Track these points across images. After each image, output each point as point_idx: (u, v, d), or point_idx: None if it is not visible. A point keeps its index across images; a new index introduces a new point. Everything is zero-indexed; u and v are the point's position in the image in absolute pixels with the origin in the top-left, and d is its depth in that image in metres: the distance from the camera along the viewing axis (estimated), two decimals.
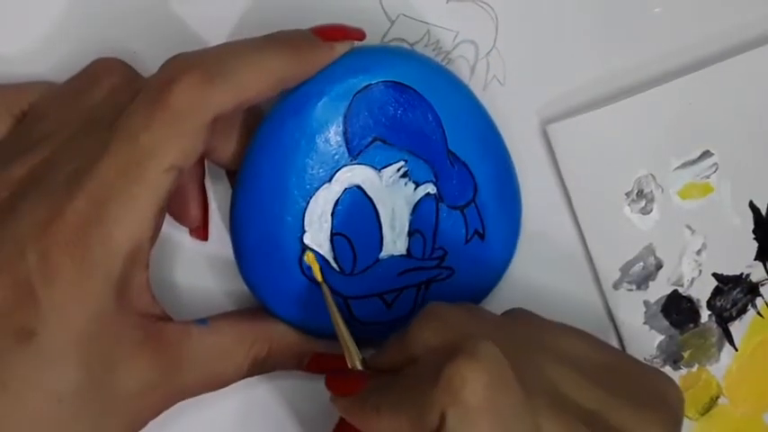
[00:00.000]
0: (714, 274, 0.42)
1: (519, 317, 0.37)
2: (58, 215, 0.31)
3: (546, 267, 0.41)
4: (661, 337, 0.42)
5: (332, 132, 0.36)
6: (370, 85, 0.36)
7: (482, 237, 0.38)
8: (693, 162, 0.41)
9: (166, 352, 0.33)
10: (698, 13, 0.42)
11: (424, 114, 0.37)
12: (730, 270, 0.42)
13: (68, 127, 0.34)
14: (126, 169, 0.31)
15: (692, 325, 0.42)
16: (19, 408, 0.30)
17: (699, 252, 0.42)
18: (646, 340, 0.42)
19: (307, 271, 0.37)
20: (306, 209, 0.36)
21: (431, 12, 0.40)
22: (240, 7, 0.39)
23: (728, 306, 0.42)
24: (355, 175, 0.36)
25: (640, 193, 0.41)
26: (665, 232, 0.41)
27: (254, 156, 0.36)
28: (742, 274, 0.42)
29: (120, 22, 0.39)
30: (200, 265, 0.40)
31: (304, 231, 0.36)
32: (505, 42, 0.41)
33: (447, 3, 0.40)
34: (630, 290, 0.41)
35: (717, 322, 0.42)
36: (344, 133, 0.36)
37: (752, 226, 0.42)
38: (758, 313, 0.42)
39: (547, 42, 0.41)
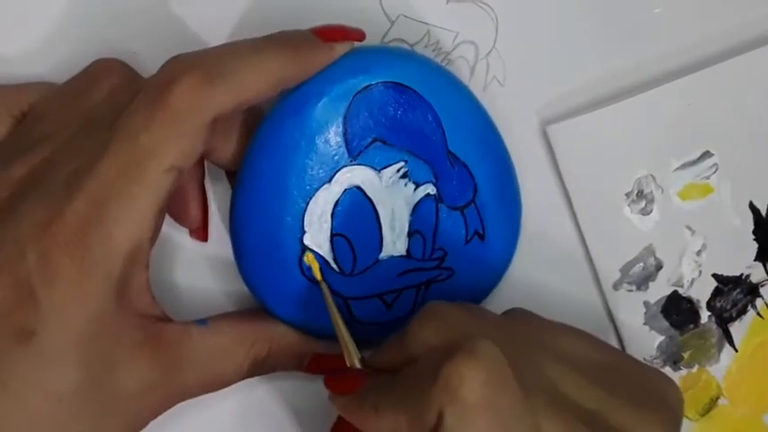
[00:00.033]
0: (714, 275, 0.42)
1: (519, 317, 0.37)
2: (58, 215, 0.31)
3: (546, 268, 0.41)
4: (661, 338, 0.42)
5: (332, 133, 0.36)
6: (370, 85, 0.36)
7: (482, 237, 0.38)
8: (693, 162, 0.41)
9: (166, 352, 0.33)
10: (698, 13, 0.42)
11: (424, 115, 0.37)
12: (730, 271, 0.42)
13: (68, 127, 0.34)
14: (126, 169, 0.31)
15: (691, 326, 0.42)
16: (19, 408, 0.30)
17: (699, 253, 0.42)
18: (646, 341, 0.42)
19: (306, 271, 0.37)
20: (306, 209, 0.36)
21: (431, 12, 0.40)
22: (240, 7, 0.39)
23: (728, 307, 0.42)
24: (355, 175, 0.36)
25: (640, 194, 0.41)
26: (665, 233, 0.41)
27: (254, 156, 0.36)
28: (742, 274, 0.42)
29: (120, 22, 0.39)
30: (200, 266, 0.40)
31: (304, 232, 0.36)
32: (505, 43, 0.41)
33: (447, 3, 0.41)
34: (630, 290, 0.41)
35: (717, 323, 0.42)
36: (344, 134, 0.36)
37: (752, 227, 0.42)
38: (758, 314, 0.42)
39: (547, 42, 0.41)
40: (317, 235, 0.37)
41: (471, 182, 0.38)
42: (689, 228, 0.41)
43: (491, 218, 0.38)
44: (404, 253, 0.38)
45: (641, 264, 0.41)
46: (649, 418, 0.33)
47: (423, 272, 0.38)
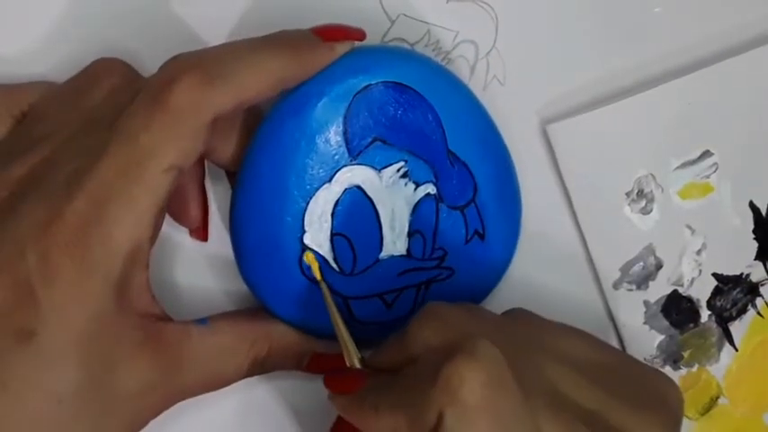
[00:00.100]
0: (714, 274, 0.42)
1: (519, 317, 0.37)
2: (58, 216, 0.31)
3: (546, 267, 0.41)
4: (661, 337, 0.42)
5: (332, 133, 0.36)
6: (370, 85, 0.36)
7: (482, 237, 0.38)
8: (693, 162, 0.41)
9: (166, 352, 0.33)
10: (698, 13, 0.42)
11: (424, 114, 0.37)
12: (730, 270, 0.42)
13: (68, 127, 0.34)
14: (126, 169, 0.31)
15: (692, 325, 0.42)
16: (19, 408, 0.30)
17: (699, 252, 0.42)
18: (646, 340, 0.42)
19: (306, 271, 0.37)
20: (306, 209, 0.36)
21: (431, 12, 0.40)
22: (240, 7, 0.39)
23: (728, 306, 0.42)
24: (355, 175, 0.36)
25: (640, 193, 0.41)
26: (665, 232, 0.41)
27: (254, 156, 0.36)
28: (742, 274, 0.42)
29: (120, 22, 0.39)
30: (200, 265, 0.40)
31: (304, 231, 0.36)
32: (505, 42, 0.41)
33: (447, 3, 0.40)
34: (630, 290, 0.41)
35: (717, 322, 0.42)
36: (344, 133, 0.36)
37: (752, 226, 0.42)
38: (758, 313, 0.42)
39: (547, 42, 0.41)
40: (318, 234, 0.37)
41: (471, 181, 0.38)
42: (689, 227, 0.41)
43: (491, 217, 0.38)
44: (404, 252, 0.38)
45: (641, 263, 0.41)
46: (649, 418, 0.33)
47: (423, 271, 0.38)
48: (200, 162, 0.38)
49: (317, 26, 0.35)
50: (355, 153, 0.36)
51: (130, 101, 0.32)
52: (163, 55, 0.33)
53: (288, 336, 0.37)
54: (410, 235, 0.37)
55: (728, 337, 0.42)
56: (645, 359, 0.42)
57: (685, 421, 0.41)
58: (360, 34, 0.36)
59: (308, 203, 0.36)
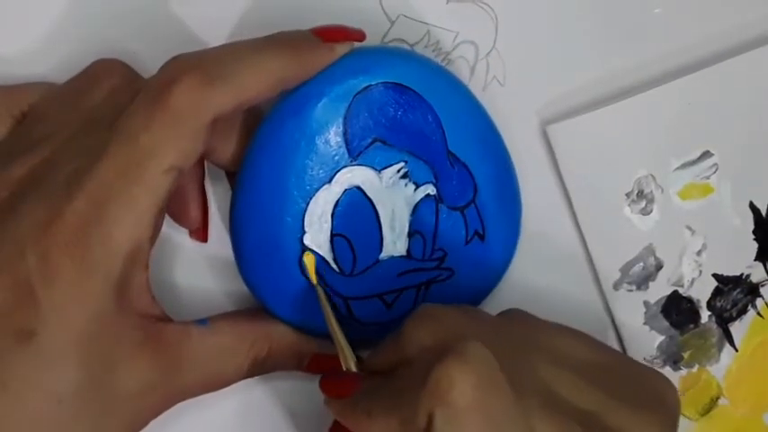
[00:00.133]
0: (714, 275, 0.42)
1: (515, 317, 0.37)
2: (58, 216, 0.31)
3: (546, 268, 0.41)
4: (661, 338, 0.42)
5: (332, 133, 0.36)
6: (370, 86, 0.36)
7: (482, 237, 0.38)
8: (693, 162, 0.41)
9: (166, 352, 0.33)
10: (698, 13, 0.42)
11: (424, 115, 0.37)
12: (730, 270, 0.42)
13: (68, 127, 0.34)
14: (125, 170, 0.31)
15: (692, 325, 0.42)
16: (19, 408, 0.30)
17: (699, 252, 0.42)
18: (646, 341, 0.42)
19: (306, 272, 0.37)
20: (306, 210, 0.36)
21: (431, 12, 0.40)
22: (240, 7, 0.39)
23: (728, 306, 0.42)
24: (355, 175, 0.36)
25: (640, 194, 0.41)
26: (665, 233, 0.41)
27: (254, 157, 0.36)
28: (742, 274, 0.42)
29: (120, 22, 0.39)
30: (200, 266, 0.40)
31: (304, 232, 0.36)
32: (505, 43, 0.41)
33: (447, 3, 0.40)
34: (630, 290, 0.41)
35: (717, 323, 0.42)
36: (344, 134, 0.36)
37: (752, 226, 0.42)
38: (758, 314, 0.42)
39: (547, 42, 0.41)
40: (317, 235, 0.37)
41: (471, 182, 0.38)
42: (689, 227, 0.41)
43: (491, 218, 0.38)
44: (404, 253, 0.38)
45: (641, 263, 0.41)
46: (646, 418, 0.33)
47: (423, 272, 0.38)
48: (201, 162, 0.38)
49: (316, 27, 0.35)
50: (355, 154, 0.36)
51: (130, 101, 0.32)
52: (163, 55, 0.33)
53: (288, 336, 0.37)
54: (410, 235, 0.37)
55: (729, 337, 0.42)
56: (645, 360, 0.42)
57: (685, 421, 0.41)
58: (360, 35, 0.36)
59: (307, 204, 0.36)
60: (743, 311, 0.42)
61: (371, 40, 0.37)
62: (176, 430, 0.38)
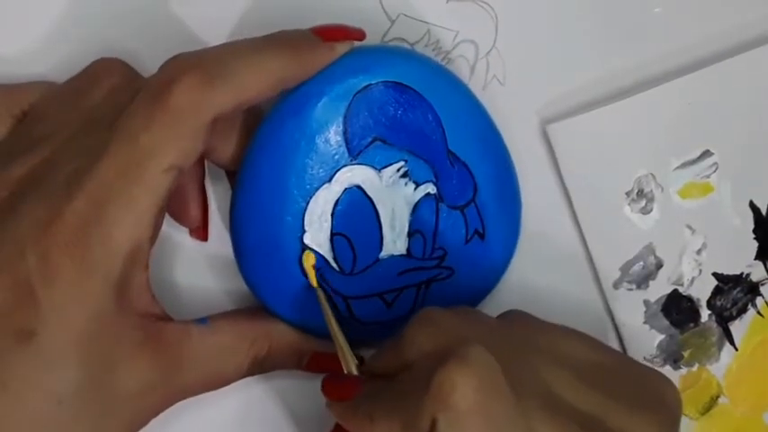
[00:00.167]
0: (714, 274, 0.42)
1: (515, 319, 0.36)
2: (58, 216, 0.31)
3: (546, 267, 0.41)
4: (661, 337, 0.42)
5: (332, 132, 0.36)
6: (370, 85, 0.36)
7: (482, 237, 0.38)
8: (693, 162, 0.41)
9: (166, 352, 0.33)
10: (698, 13, 0.42)
11: (424, 114, 0.37)
12: (730, 269, 0.42)
13: (68, 127, 0.34)
14: (125, 170, 0.31)
15: (692, 324, 0.42)
16: (19, 408, 0.30)
17: (699, 251, 0.42)
18: (646, 340, 0.42)
19: (306, 273, 0.37)
20: (306, 209, 0.36)
21: (431, 11, 0.40)
22: (240, 7, 0.39)
23: (729, 305, 0.42)
24: (355, 175, 0.36)
25: (640, 193, 0.41)
26: (665, 232, 0.41)
27: (254, 156, 0.36)
28: (742, 273, 0.42)
29: (120, 22, 0.39)
30: (200, 265, 0.40)
31: (304, 231, 0.36)
32: (505, 42, 0.41)
33: (447, 2, 0.40)
34: (630, 289, 0.41)
35: (717, 322, 0.42)
36: (344, 133, 0.36)
37: (752, 225, 0.42)
38: (758, 313, 0.42)
39: (547, 42, 0.41)
40: (318, 234, 0.37)
41: (471, 181, 0.38)
42: (689, 227, 0.41)
43: (491, 217, 0.38)
44: (404, 252, 0.38)
45: (641, 263, 0.41)
46: (648, 418, 0.33)
47: (423, 271, 0.38)
48: (201, 162, 0.38)
49: (316, 26, 0.35)
50: (355, 153, 0.36)
51: (130, 101, 0.32)
52: (163, 55, 0.33)
53: (288, 335, 0.37)
54: (410, 235, 0.37)
55: (729, 336, 0.42)
56: (645, 359, 0.42)
57: (686, 420, 0.41)
58: (360, 34, 0.36)
59: (308, 203, 0.36)
60: (743, 310, 0.42)
61: (371, 39, 0.37)
62: (176, 429, 0.38)
